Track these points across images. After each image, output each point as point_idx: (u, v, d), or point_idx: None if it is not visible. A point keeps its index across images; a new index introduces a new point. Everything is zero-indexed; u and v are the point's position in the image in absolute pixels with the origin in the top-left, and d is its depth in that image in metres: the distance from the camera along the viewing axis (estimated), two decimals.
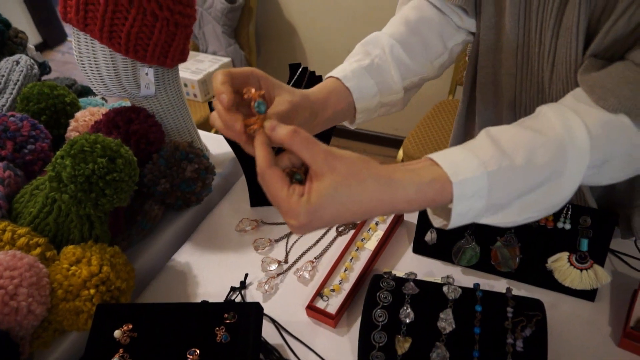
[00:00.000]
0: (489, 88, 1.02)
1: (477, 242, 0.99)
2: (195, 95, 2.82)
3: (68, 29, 4.83)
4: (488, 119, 1.07)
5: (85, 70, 1.13)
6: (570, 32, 0.76)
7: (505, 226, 0.67)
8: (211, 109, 1.20)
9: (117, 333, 0.83)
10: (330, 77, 0.85)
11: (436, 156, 0.63)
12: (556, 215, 0.95)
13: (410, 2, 0.99)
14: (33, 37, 4.51)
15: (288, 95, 0.72)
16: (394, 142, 3.16)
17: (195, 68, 2.84)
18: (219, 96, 0.64)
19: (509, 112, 1.00)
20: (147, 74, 1.14)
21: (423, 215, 1.05)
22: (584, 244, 0.93)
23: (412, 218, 1.13)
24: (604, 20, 0.72)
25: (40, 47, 4.60)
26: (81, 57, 1.11)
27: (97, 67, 1.12)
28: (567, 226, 0.94)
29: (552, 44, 0.81)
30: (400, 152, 2.35)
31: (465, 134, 1.19)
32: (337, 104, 0.82)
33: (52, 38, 4.80)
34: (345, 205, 0.60)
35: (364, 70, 0.86)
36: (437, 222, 0.70)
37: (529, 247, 0.97)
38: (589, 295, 0.93)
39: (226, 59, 2.92)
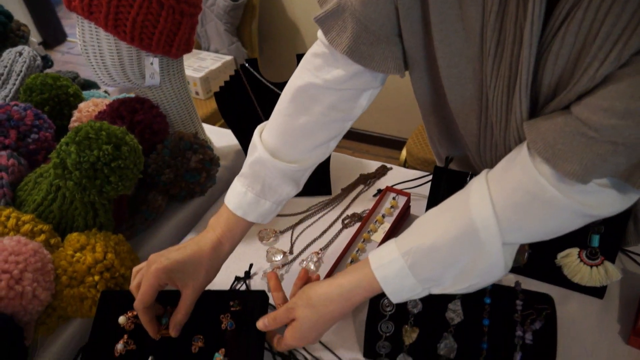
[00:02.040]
0: (464, 135, 0.97)
1: None
2: (197, 93, 2.81)
3: (68, 28, 4.84)
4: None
5: (89, 60, 1.12)
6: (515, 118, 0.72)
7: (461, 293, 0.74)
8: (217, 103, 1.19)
9: (121, 319, 0.83)
10: (229, 209, 0.88)
11: (372, 253, 0.75)
12: None
13: (303, 93, 0.85)
14: (33, 37, 4.49)
15: (191, 291, 0.81)
16: (397, 144, 3.16)
17: (197, 66, 2.83)
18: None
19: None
20: (152, 63, 1.13)
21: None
22: (595, 240, 0.91)
23: (419, 212, 1.12)
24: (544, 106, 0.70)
25: None
26: (85, 46, 1.10)
27: (101, 57, 1.11)
28: None
29: (502, 124, 0.78)
30: (404, 152, 2.35)
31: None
32: (242, 234, 0.89)
33: (52, 38, 4.81)
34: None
35: (259, 197, 0.87)
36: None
37: (538, 243, 0.95)
38: (597, 292, 0.92)
39: (228, 57, 2.91)
